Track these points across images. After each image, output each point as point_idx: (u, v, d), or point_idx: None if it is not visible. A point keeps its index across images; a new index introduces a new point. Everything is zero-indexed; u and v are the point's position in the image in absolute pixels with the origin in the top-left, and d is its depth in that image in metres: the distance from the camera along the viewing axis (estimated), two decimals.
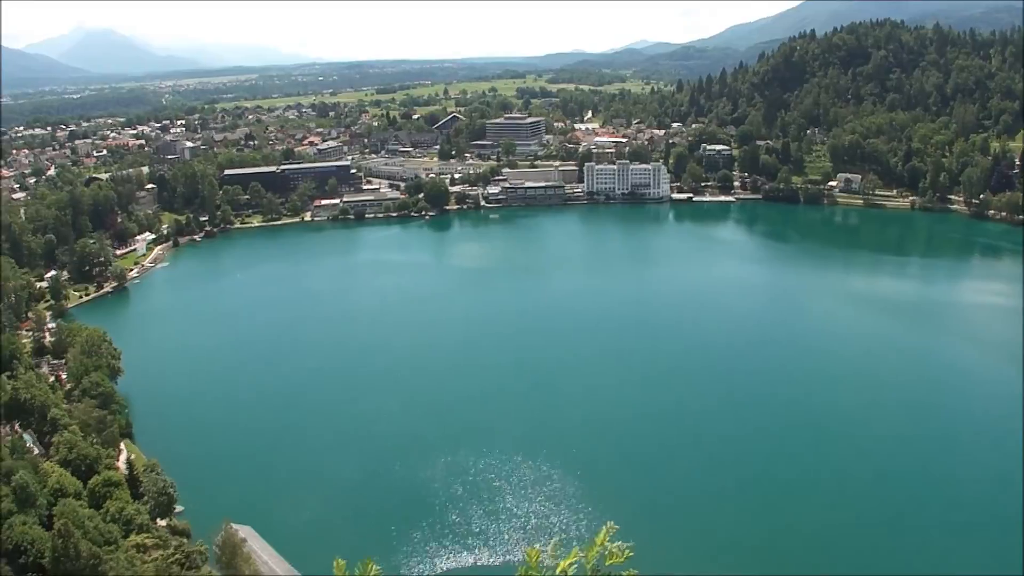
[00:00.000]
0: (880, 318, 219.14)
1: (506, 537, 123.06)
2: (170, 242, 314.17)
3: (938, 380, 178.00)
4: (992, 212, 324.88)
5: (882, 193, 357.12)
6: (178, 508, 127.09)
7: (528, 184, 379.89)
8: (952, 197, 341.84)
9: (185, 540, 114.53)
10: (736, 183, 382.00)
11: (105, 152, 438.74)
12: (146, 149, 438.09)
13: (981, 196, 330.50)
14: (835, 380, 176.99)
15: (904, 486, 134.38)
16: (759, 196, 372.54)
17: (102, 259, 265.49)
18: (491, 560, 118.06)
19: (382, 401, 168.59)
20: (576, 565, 8.87)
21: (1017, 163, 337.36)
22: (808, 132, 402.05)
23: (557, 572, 8.83)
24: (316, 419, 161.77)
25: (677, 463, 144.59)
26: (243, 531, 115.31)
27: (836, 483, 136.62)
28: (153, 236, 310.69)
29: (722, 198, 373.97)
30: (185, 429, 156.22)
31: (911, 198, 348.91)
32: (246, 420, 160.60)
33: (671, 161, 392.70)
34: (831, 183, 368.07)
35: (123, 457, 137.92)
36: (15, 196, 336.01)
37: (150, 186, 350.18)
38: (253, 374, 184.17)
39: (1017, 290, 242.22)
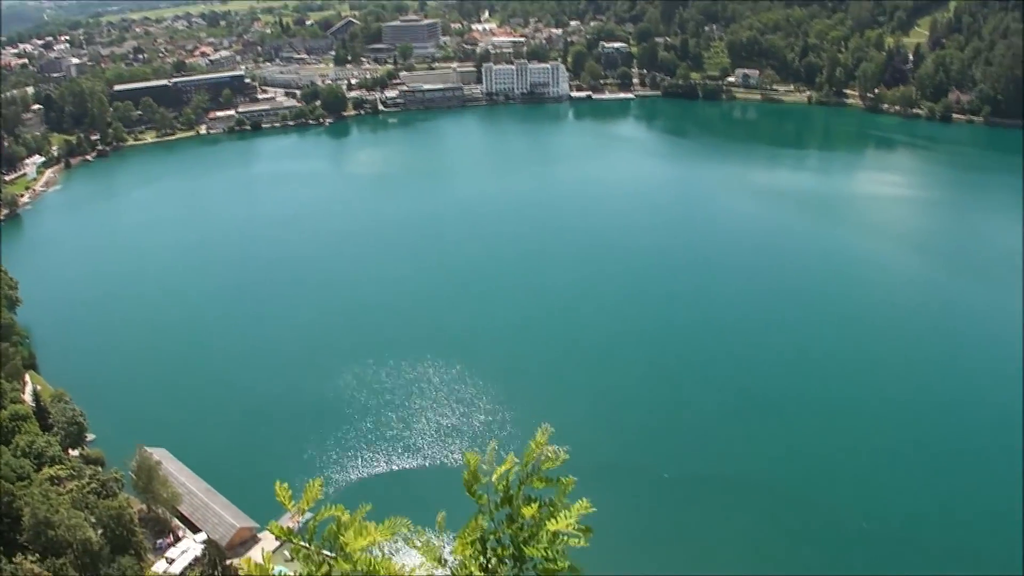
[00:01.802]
0: (782, 210, 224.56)
1: (419, 440, 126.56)
2: (61, 164, 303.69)
3: (842, 268, 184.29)
4: (886, 106, 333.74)
5: (779, 88, 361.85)
6: (90, 436, 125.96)
7: (426, 87, 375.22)
8: (847, 91, 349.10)
9: (100, 468, 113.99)
10: (635, 80, 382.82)
11: None
12: (30, 68, 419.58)
13: (875, 90, 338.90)
14: (742, 270, 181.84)
15: (821, 371, 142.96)
16: (658, 92, 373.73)
17: None
18: (407, 464, 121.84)
19: (290, 314, 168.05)
20: (515, 472, 8.97)
21: (910, 58, 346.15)
22: (706, 28, 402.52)
23: (495, 478, 8.93)
24: (223, 337, 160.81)
25: (592, 360, 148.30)
26: (158, 453, 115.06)
27: (744, 365, 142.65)
28: (43, 159, 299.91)
29: (621, 95, 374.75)
30: (90, 356, 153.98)
31: (808, 93, 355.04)
32: (152, 343, 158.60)
33: (570, 60, 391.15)
34: (729, 78, 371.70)
35: (28, 389, 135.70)
36: None
37: (36, 107, 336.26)
38: (156, 295, 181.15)
39: (910, 180, 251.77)
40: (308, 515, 9.36)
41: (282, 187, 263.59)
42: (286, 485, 9.24)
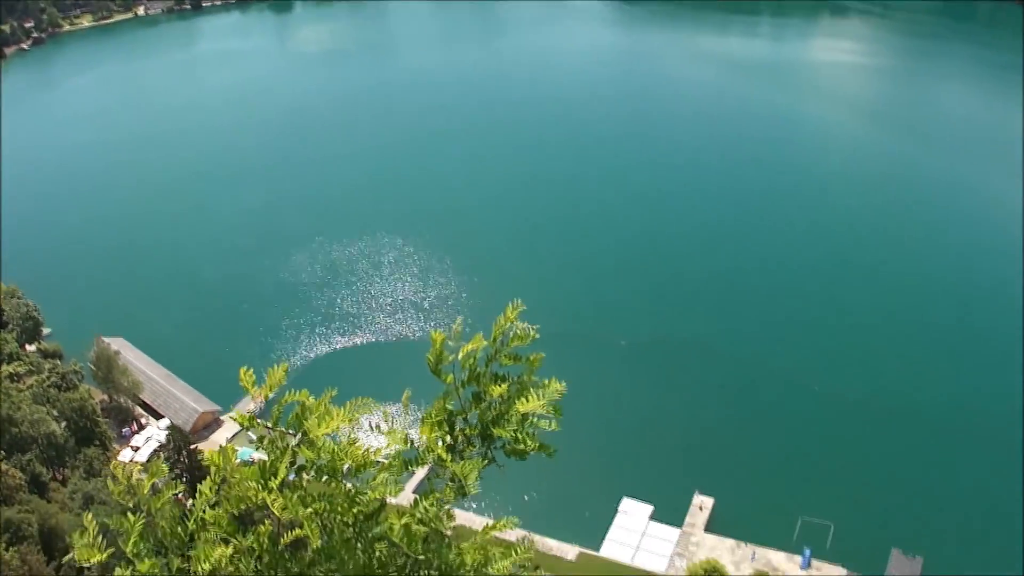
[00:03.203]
0: (736, 77, 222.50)
1: (379, 316, 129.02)
2: None
3: (798, 137, 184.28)
4: None
5: None
6: (46, 331, 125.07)
7: None
8: None
9: (58, 361, 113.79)
10: None
11: None
12: None
13: None
14: (698, 140, 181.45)
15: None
16: None
17: None
18: (368, 339, 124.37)
19: (241, 198, 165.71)
20: (482, 350, 8.74)
21: None
22: None
23: (460, 356, 8.68)
24: (174, 225, 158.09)
25: (548, 232, 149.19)
26: (115, 343, 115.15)
27: (703, 234, 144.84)
28: None
29: None
30: (40, 250, 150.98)
31: None
32: (101, 235, 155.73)
33: None
34: None
35: None
36: None
37: None
38: (103, 186, 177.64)
39: (866, 48, 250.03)
40: (271, 398, 9.10)
41: (226, 68, 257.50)
42: (251, 371, 8.94)
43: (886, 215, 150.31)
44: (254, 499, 8.30)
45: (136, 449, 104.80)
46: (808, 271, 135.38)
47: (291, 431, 8.64)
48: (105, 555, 8.30)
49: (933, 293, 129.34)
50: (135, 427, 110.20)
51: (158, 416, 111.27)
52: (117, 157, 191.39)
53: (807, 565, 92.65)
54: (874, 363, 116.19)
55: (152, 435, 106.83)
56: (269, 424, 9.00)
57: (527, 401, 8.50)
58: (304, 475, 8.54)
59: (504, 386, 8.65)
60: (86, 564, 8.34)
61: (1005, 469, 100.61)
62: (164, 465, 9.27)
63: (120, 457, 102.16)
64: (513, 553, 8.80)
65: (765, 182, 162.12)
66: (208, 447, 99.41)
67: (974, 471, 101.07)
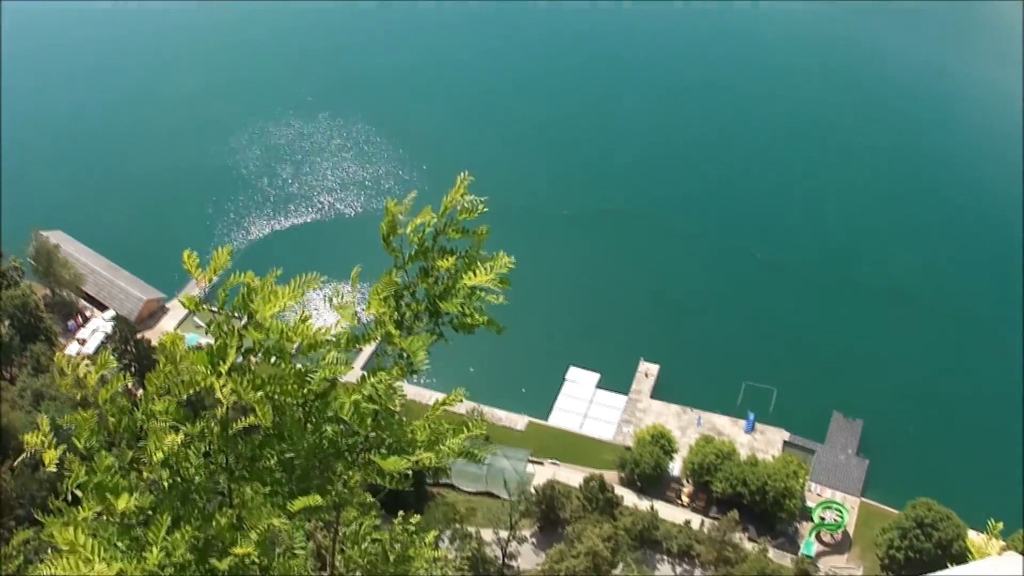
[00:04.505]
0: None
1: (323, 195, 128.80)
2: None
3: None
4: None
5: None
6: None
7: None
8: None
9: None
10: None
11: None
12: None
13: None
14: (644, 9, 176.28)
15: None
16: None
17: None
18: (311, 219, 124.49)
19: (175, 83, 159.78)
20: (432, 224, 8.82)
21: None
22: None
23: (410, 230, 8.78)
24: (108, 113, 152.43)
25: (494, 100, 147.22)
26: (54, 236, 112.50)
27: (651, 103, 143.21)
28: None
29: None
30: None
31: None
32: (33, 125, 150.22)
33: None
34: None
35: None
36: None
37: None
38: (31, 75, 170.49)
39: None
40: (216, 281, 8.98)
41: None
42: (195, 254, 8.79)
43: (836, 85, 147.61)
44: (203, 384, 8.28)
45: (83, 342, 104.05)
46: (752, 141, 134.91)
47: (237, 314, 8.57)
48: (58, 451, 8.32)
49: (886, 164, 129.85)
50: (80, 320, 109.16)
51: (103, 308, 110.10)
52: (44, 40, 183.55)
53: (751, 428, 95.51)
54: (815, 231, 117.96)
55: (98, 327, 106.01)
56: (215, 308, 8.90)
57: (474, 275, 8.57)
58: (252, 358, 8.50)
59: (452, 259, 8.72)
60: (46, 464, 8.34)
61: (944, 333, 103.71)
62: (112, 357, 9.16)
63: (67, 351, 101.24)
64: (464, 429, 8.95)
65: (714, 52, 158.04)
66: (155, 335, 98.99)
67: (913, 337, 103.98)
